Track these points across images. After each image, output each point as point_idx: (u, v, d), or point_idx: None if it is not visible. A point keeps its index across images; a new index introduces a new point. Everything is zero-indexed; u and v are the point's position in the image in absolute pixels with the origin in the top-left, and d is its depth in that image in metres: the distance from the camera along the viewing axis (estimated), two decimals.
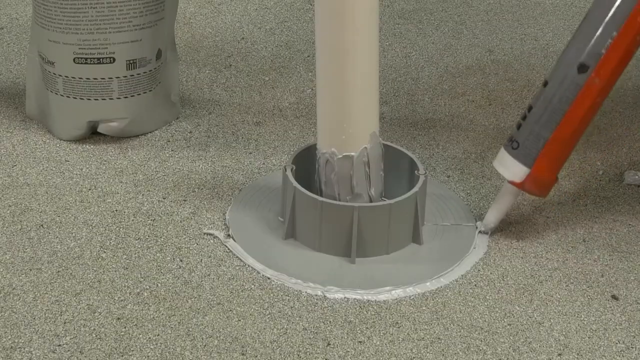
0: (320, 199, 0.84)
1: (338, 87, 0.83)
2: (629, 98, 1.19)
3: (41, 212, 0.89)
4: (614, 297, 0.82)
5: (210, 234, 0.87)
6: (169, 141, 1.03)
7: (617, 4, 0.72)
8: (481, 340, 0.76)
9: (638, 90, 1.21)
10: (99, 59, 0.98)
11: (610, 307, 0.81)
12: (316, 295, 0.80)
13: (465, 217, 0.91)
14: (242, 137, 1.04)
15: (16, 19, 1.32)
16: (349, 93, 0.83)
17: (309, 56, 1.24)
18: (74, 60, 0.98)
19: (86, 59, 0.98)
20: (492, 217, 0.88)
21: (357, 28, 0.80)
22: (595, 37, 0.73)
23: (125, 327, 0.75)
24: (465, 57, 1.28)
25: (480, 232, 0.89)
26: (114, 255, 0.84)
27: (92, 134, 1.02)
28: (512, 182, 0.85)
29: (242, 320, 0.77)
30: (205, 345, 0.74)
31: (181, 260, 0.84)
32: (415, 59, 1.26)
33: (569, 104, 0.77)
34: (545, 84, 0.81)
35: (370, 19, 0.81)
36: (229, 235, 0.87)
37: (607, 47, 0.73)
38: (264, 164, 0.99)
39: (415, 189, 0.85)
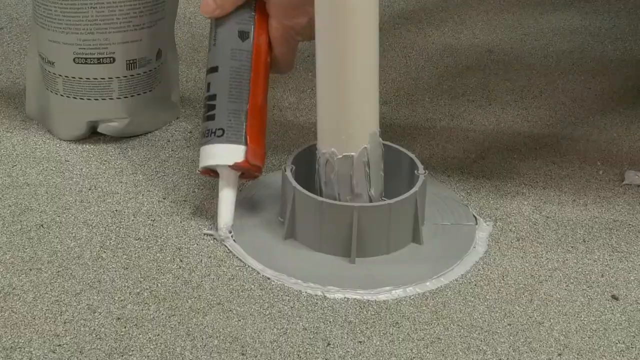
0: (320, 199, 0.84)
1: (338, 87, 0.83)
2: (629, 98, 1.19)
3: (41, 212, 0.89)
4: (614, 297, 0.82)
5: (210, 235, 0.87)
6: (169, 141, 1.03)
7: None
8: (481, 340, 0.76)
9: (638, 90, 1.21)
10: (99, 59, 0.98)
11: (610, 307, 0.81)
12: (316, 295, 0.80)
13: (465, 217, 0.91)
14: None
15: (16, 19, 1.32)
16: (349, 93, 0.83)
17: (308, 56, 1.24)
18: (74, 60, 0.98)
19: (86, 59, 0.98)
20: (227, 215, 0.85)
21: (357, 28, 0.80)
22: (240, 11, 0.75)
23: (125, 327, 0.75)
24: (465, 57, 1.28)
25: (221, 239, 0.85)
26: (114, 255, 0.84)
27: (92, 134, 1.02)
28: (235, 165, 0.83)
29: (242, 320, 0.77)
30: (205, 345, 0.74)
31: (181, 261, 0.84)
32: (415, 59, 1.26)
33: (250, 72, 0.78)
34: (212, 70, 0.83)
35: (370, 19, 0.81)
36: (230, 234, 0.87)
37: (254, 8, 0.74)
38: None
39: (415, 188, 0.85)
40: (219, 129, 0.83)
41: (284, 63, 0.91)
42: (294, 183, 0.85)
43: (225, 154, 0.84)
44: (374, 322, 0.78)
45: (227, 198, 0.86)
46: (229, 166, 0.85)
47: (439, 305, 0.80)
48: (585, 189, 0.98)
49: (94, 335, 0.74)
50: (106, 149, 1.01)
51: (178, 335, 0.75)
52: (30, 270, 0.81)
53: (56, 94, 1.00)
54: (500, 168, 1.01)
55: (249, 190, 0.94)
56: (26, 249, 0.84)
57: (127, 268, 0.82)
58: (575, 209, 0.95)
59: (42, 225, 0.87)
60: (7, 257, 0.83)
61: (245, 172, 0.86)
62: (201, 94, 1.14)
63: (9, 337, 0.74)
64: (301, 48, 1.27)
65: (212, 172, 0.87)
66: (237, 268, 0.83)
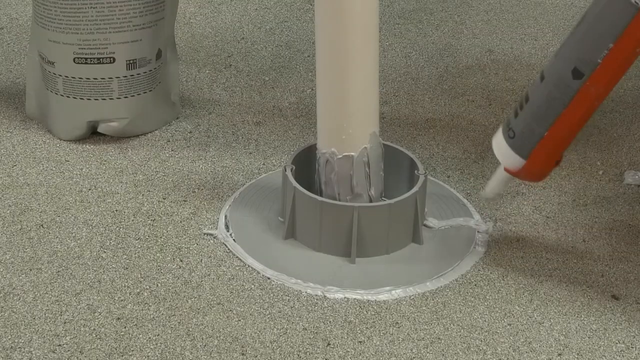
0: (320, 199, 0.84)
1: (338, 87, 0.83)
2: (629, 98, 1.19)
3: (41, 212, 0.89)
4: (614, 297, 0.82)
5: (210, 234, 0.87)
6: (169, 141, 1.03)
7: (614, 14, 0.69)
8: (481, 340, 0.76)
9: (638, 90, 1.21)
10: (99, 59, 0.98)
11: (610, 307, 0.81)
12: (316, 295, 0.80)
13: (465, 217, 0.91)
14: (242, 137, 1.04)
15: (16, 19, 1.32)
16: (349, 93, 0.83)
17: (309, 56, 1.24)
18: (74, 60, 0.98)
19: (86, 59, 0.98)
20: (490, 188, 0.86)
21: (357, 28, 0.80)
22: (591, 45, 0.70)
23: (125, 327, 0.75)
24: (465, 57, 1.28)
25: (485, 200, 0.88)
26: (114, 255, 0.84)
27: (92, 134, 1.02)
28: (507, 170, 0.83)
29: (242, 320, 0.77)
30: (205, 345, 0.74)
31: (181, 260, 0.84)
32: (415, 59, 1.26)
33: (564, 107, 0.75)
34: (542, 77, 0.79)
35: (370, 19, 0.81)
36: (229, 234, 0.87)
37: (603, 57, 0.70)
38: (264, 164, 0.99)
39: (415, 188, 0.85)
40: (512, 130, 0.80)
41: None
42: (294, 183, 0.85)
43: (506, 157, 0.82)
44: (374, 322, 0.78)
45: (498, 175, 0.85)
46: (505, 168, 0.84)
47: (439, 305, 0.80)
48: (585, 189, 0.98)
49: (94, 335, 0.74)
50: (106, 149, 1.01)
51: (178, 335, 0.75)
52: (30, 270, 0.81)
53: (56, 94, 1.00)
54: None
55: (249, 190, 0.94)
56: (26, 249, 0.84)
57: (127, 268, 0.82)
58: (575, 209, 0.95)
59: (42, 225, 0.87)
60: (7, 257, 0.83)
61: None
62: (201, 94, 1.14)
63: (9, 337, 0.74)
64: (301, 48, 1.27)
65: None
66: (237, 268, 0.83)
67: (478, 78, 1.21)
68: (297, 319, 0.77)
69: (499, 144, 0.83)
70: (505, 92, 1.18)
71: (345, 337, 0.76)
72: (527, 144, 0.79)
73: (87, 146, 1.01)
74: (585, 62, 0.71)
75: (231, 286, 0.81)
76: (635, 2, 0.66)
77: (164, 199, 0.93)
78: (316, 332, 0.76)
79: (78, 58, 0.98)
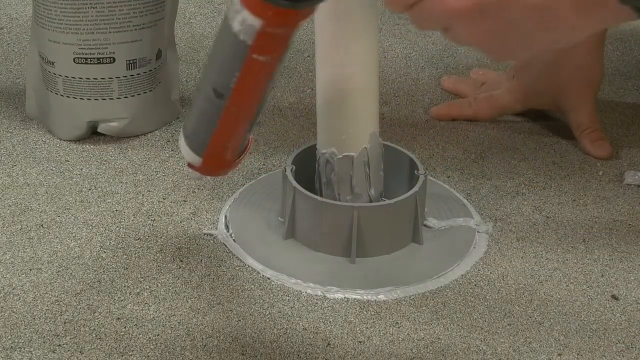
0: (320, 199, 0.84)
1: (338, 87, 0.83)
2: (628, 98, 1.19)
3: (41, 212, 0.89)
4: (614, 297, 0.82)
5: (210, 234, 0.87)
6: (169, 141, 1.03)
7: (227, 47, 0.71)
8: (481, 340, 0.76)
9: (638, 90, 1.21)
10: (99, 59, 0.98)
11: (610, 307, 0.81)
12: (316, 295, 0.80)
13: (465, 217, 0.91)
14: None
15: (16, 19, 1.32)
16: (349, 93, 0.83)
17: (309, 56, 1.24)
18: (74, 60, 0.98)
19: (86, 59, 0.98)
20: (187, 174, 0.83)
21: (357, 28, 0.80)
22: (223, 70, 0.73)
23: (125, 327, 0.75)
24: (465, 57, 1.27)
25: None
26: (114, 255, 0.84)
27: (92, 134, 1.02)
28: (190, 165, 0.81)
29: (242, 320, 0.77)
30: (205, 345, 0.74)
31: (181, 261, 0.84)
32: (415, 59, 1.26)
33: (218, 118, 0.77)
34: (198, 88, 0.79)
35: (370, 19, 0.81)
36: (229, 234, 0.87)
37: (234, 82, 0.72)
38: (264, 164, 0.99)
39: (415, 188, 0.85)
40: (186, 129, 0.81)
41: None
42: (294, 183, 0.85)
43: (188, 154, 0.81)
44: (374, 322, 0.78)
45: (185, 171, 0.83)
46: (188, 163, 0.83)
47: (439, 305, 0.80)
48: (585, 189, 0.98)
49: (94, 335, 0.74)
50: (106, 149, 1.01)
51: (178, 335, 0.75)
52: (30, 270, 0.81)
53: (56, 94, 1.00)
54: (500, 168, 1.01)
55: (249, 190, 0.94)
56: (26, 249, 0.84)
57: (127, 268, 0.82)
58: (575, 209, 0.95)
59: (42, 225, 0.87)
60: (7, 257, 0.83)
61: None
62: None
63: (9, 337, 0.74)
64: (301, 48, 1.27)
65: None
66: (237, 268, 0.83)
67: None
68: (297, 319, 0.77)
69: (180, 141, 0.82)
70: None
71: (345, 337, 0.76)
72: (199, 145, 0.80)
73: (87, 146, 1.01)
74: (221, 84, 0.73)
75: (231, 286, 0.81)
76: (244, 39, 0.67)
77: (164, 199, 0.93)
78: (316, 332, 0.76)
79: (78, 58, 0.98)
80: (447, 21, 0.57)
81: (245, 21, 0.67)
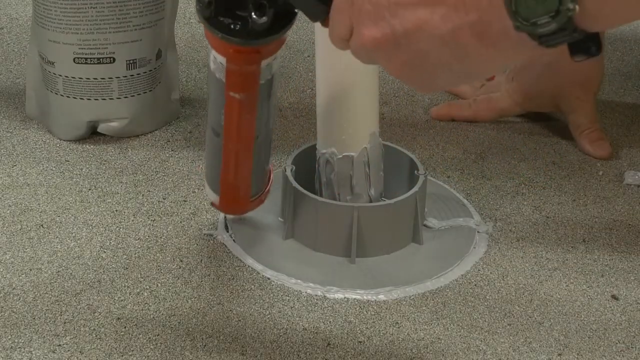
0: (320, 199, 0.84)
1: (338, 87, 0.83)
2: (628, 98, 1.19)
3: (41, 212, 0.89)
4: (614, 297, 0.82)
5: (210, 235, 0.87)
6: (169, 141, 1.03)
7: (215, 85, 0.74)
8: (481, 340, 0.76)
9: (638, 90, 1.21)
10: (99, 59, 0.98)
11: (610, 307, 0.81)
12: (316, 295, 0.80)
13: (465, 217, 0.91)
14: None
15: (16, 19, 1.32)
16: (349, 93, 0.83)
17: (309, 56, 1.24)
18: (74, 60, 0.98)
19: (86, 59, 0.98)
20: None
21: None
22: (215, 109, 0.75)
23: (125, 327, 0.75)
24: None
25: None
26: (114, 255, 0.84)
27: (92, 134, 1.02)
28: (213, 204, 0.84)
29: (242, 320, 0.77)
30: (205, 345, 0.74)
31: (181, 261, 0.84)
32: None
33: (220, 162, 0.79)
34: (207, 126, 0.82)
35: None
36: (229, 234, 0.87)
37: (222, 120, 0.75)
38: None
39: (415, 188, 0.85)
40: (204, 167, 0.84)
41: None
42: (294, 183, 0.85)
43: (209, 192, 0.83)
44: (374, 322, 0.78)
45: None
46: (211, 202, 0.85)
47: (439, 305, 0.80)
48: (585, 189, 0.98)
49: (94, 335, 0.74)
50: (106, 149, 1.01)
51: (178, 335, 0.75)
52: (30, 270, 0.81)
53: (56, 94, 1.00)
54: (500, 168, 1.01)
55: None
56: (26, 249, 0.84)
57: (127, 268, 0.82)
58: (575, 209, 0.95)
59: (42, 225, 0.87)
60: (7, 257, 0.83)
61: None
62: (201, 94, 1.14)
63: (9, 337, 0.74)
64: (301, 48, 1.27)
65: None
66: (237, 268, 0.83)
67: None
68: (297, 319, 0.77)
69: (204, 180, 0.85)
70: None
71: (345, 337, 0.76)
72: (214, 182, 0.82)
73: (87, 146, 1.01)
74: (216, 123, 0.76)
75: (231, 286, 0.81)
76: (219, 77, 0.70)
77: (164, 199, 0.93)
78: (316, 332, 0.76)
79: (78, 58, 0.98)
80: (370, 54, 0.57)
81: (216, 59, 0.70)
